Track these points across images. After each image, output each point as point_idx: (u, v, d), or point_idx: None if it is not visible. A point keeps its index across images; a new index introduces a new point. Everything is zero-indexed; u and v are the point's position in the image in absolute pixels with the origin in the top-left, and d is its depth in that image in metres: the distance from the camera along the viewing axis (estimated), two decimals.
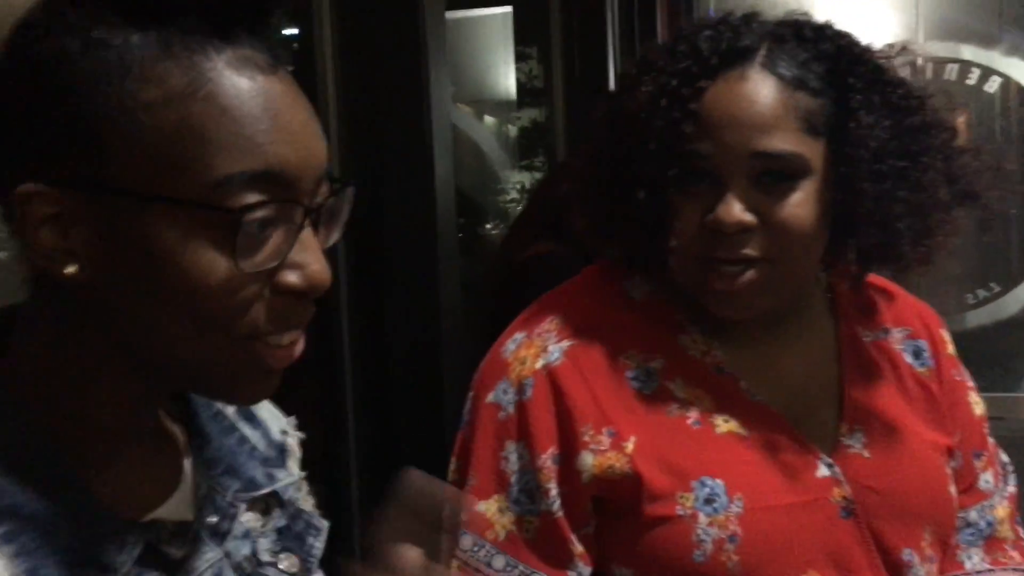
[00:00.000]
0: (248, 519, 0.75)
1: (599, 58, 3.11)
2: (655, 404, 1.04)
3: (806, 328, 1.11)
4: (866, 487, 1.03)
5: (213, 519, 0.72)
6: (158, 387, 0.69)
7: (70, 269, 0.60)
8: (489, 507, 1.03)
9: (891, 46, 1.06)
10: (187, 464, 0.74)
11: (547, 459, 1.02)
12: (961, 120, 3.23)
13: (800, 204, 0.98)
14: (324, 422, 2.23)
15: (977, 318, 2.95)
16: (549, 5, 3.48)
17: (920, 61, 3.02)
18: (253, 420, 0.81)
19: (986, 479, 1.16)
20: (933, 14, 3.10)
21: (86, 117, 0.58)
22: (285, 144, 0.61)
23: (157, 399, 0.71)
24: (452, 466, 1.09)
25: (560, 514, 1.01)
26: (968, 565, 1.13)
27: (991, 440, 1.18)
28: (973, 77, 3.00)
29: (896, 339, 1.14)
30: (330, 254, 0.68)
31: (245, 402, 0.73)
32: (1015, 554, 1.15)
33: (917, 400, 1.11)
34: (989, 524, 1.15)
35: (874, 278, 1.15)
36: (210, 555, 0.70)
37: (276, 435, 0.83)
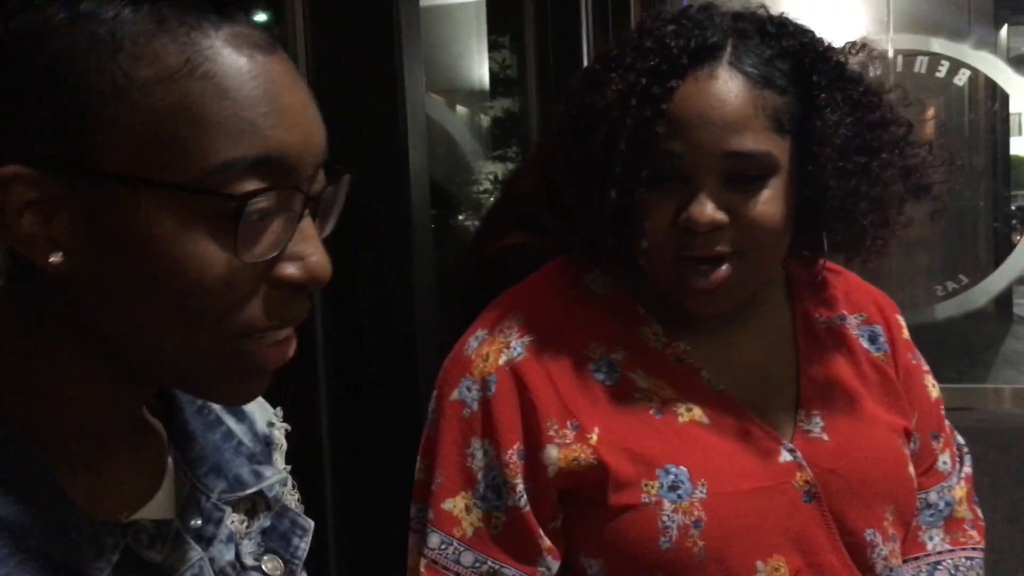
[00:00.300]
0: (232, 521, 0.72)
1: (573, 48, 3.10)
2: (618, 395, 1.05)
3: (764, 316, 1.13)
4: (827, 470, 1.04)
5: (196, 522, 0.68)
6: (141, 386, 0.65)
7: (53, 258, 0.56)
8: (456, 504, 1.03)
9: (852, 43, 1.07)
10: (169, 461, 0.70)
11: (513, 454, 1.02)
12: (930, 112, 3.26)
13: (769, 200, 0.99)
14: (297, 415, 2.22)
15: (946, 310, 2.99)
16: None
17: (891, 53, 3.04)
18: (239, 412, 0.78)
19: (944, 460, 1.19)
20: (903, 7, 3.13)
21: (72, 95, 0.54)
22: (286, 128, 0.58)
23: (139, 398, 0.67)
24: (418, 465, 1.09)
25: (527, 509, 1.02)
26: (929, 546, 1.16)
27: (947, 422, 1.21)
28: (942, 70, 3.03)
29: (852, 325, 1.16)
30: None
31: (233, 403, 0.68)
32: (974, 533, 1.18)
33: (874, 384, 1.13)
34: (948, 504, 1.18)
35: (830, 265, 1.18)
36: (192, 555, 0.67)
37: (262, 427, 0.80)
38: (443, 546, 1.03)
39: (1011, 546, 2.51)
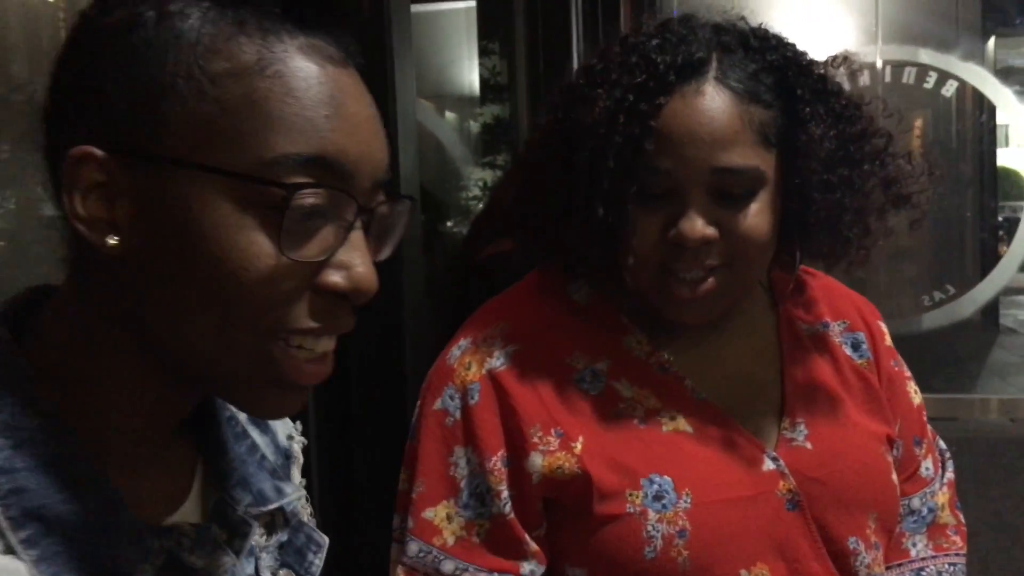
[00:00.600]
0: (256, 535, 0.72)
1: (563, 55, 3.10)
2: (602, 405, 1.05)
3: (748, 325, 1.13)
4: (810, 479, 1.05)
5: (223, 535, 0.69)
6: (183, 391, 0.66)
7: (111, 241, 0.58)
8: (437, 513, 1.03)
9: (834, 56, 1.08)
10: (197, 471, 0.71)
11: (497, 461, 1.02)
12: (917, 124, 3.27)
13: (757, 214, 0.99)
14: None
15: (932, 320, 3.00)
16: (513, 1, 3.47)
17: (879, 64, 3.06)
18: (263, 425, 0.79)
19: (927, 466, 1.19)
20: (892, 18, 3.14)
21: (149, 83, 0.57)
22: (345, 134, 0.60)
23: (182, 404, 0.67)
24: (401, 475, 1.08)
25: (512, 516, 1.02)
26: (913, 552, 1.16)
27: (929, 428, 1.22)
28: (930, 81, 3.04)
29: (835, 332, 1.16)
30: None
31: (266, 414, 0.69)
32: (957, 539, 1.19)
33: (857, 391, 1.13)
34: (931, 511, 1.18)
35: (809, 270, 1.18)
36: (226, 561, 0.68)
37: (283, 440, 0.81)
38: (421, 554, 1.02)
39: (996, 556, 2.51)
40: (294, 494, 0.76)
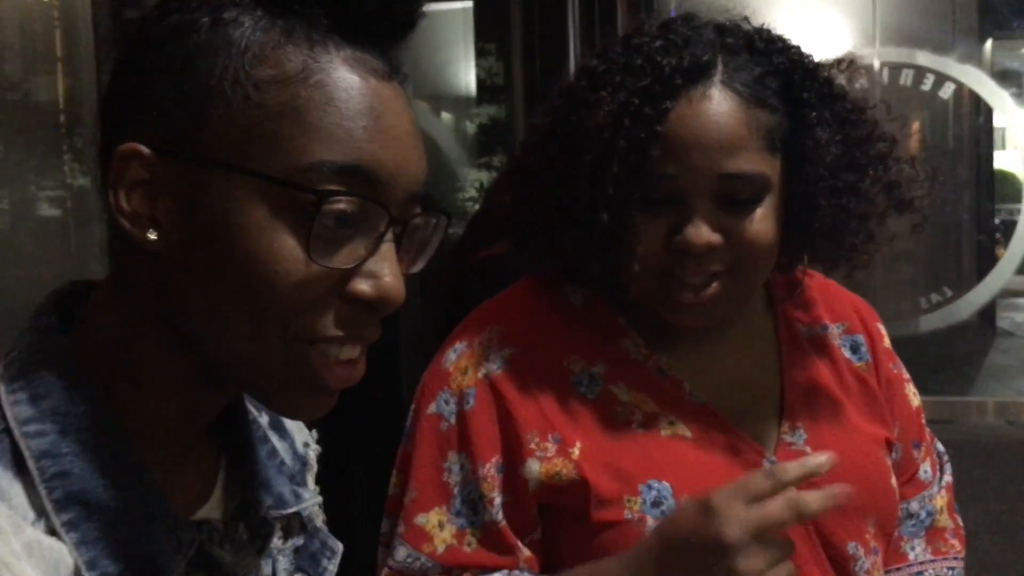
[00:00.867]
0: (276, 537, 0.74)
1: (560, 56, 3.10)
2: (600, 409, 1.03)
3: (747, 328, 1.12)
4: (809, 483, 1.03)
5: (244, 535, 0.71)
6: (214, 390, 0.67)
7: (151, 236, 0.60)
8: (429, 519, 1.02)
9: (839, 60, 1.06)
10: (220, 471, 0.72)
11: (490, 468, 1.01)
12: (914, 126, 3.27)
13: (762, 220, 0.98)
14: None
15: (930, 322, 3.00)
16: (510, 1, 3.46)
17: (877, 66, 3.05)
18: (281, 430, 0.80)
19: (925, 469, 1.18)
20: (889, 20, 3.14)
21: (198, 86, 0.59)
22: (382, 146, 0.61)
23: (214, 402, 0.69)
24: (393, 479, 1.07)
25: (503, 524, 1.01)
26: (911, 556, 1.15)
27: (928, 430, 1.21)
28: (927, 83, 3.04)
29: (834, 334, 1.15)
30: None
31: (296, 415, 0.70)
32: (955, 542, 1.18)
33: (856, 394, 1.13)
34: (929, 514, 1.17)
35: (809, 272, 1.17)
36: (249, 559, 0.70)
37: (300, 448, 0.82)
38: (409, 559, 1.01)
39: (993, 559, 2.51)
40: (311, 500, 0.78)
